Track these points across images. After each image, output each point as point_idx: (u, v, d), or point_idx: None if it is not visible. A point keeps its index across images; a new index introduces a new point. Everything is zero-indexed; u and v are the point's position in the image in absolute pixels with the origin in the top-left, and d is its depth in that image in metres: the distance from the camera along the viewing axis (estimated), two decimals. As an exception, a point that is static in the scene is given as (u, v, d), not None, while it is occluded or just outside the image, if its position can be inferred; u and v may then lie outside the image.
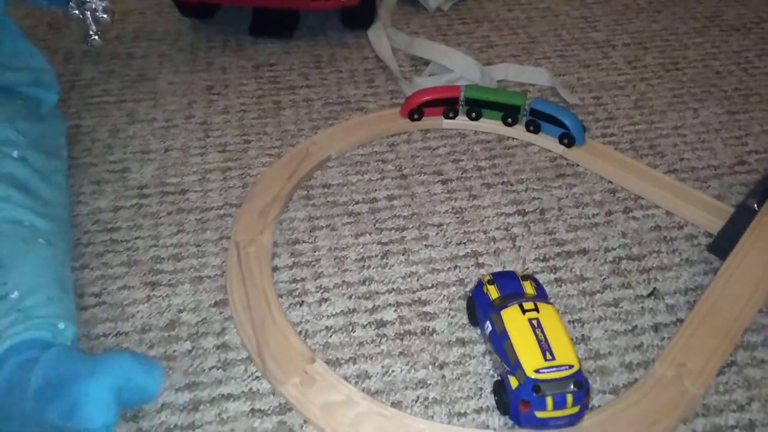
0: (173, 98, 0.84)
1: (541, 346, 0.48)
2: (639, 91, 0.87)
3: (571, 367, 0.47)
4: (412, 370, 0.53)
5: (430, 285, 0.61)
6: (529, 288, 0.54)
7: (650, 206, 0.69)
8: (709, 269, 0.62)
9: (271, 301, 0.56)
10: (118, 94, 0.84)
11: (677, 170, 0.74)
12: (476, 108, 0.77)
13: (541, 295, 0.54)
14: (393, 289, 0.60)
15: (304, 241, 0.65)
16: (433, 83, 0.85)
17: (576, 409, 0.47)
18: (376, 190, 0.71)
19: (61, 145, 0.70)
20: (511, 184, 0.72)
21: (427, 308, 0.58)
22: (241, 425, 0.49)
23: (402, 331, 0.56)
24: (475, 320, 0.56)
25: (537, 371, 0.47)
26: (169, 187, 0.70)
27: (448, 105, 0.78)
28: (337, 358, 0.54)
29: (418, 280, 0.61)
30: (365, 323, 0.57)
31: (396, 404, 0.51)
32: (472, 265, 0.63)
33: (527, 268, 0.62)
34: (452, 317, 0.58)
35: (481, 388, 0.52)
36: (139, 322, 0.56)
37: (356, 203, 0.69)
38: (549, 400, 0.46)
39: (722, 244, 0.61)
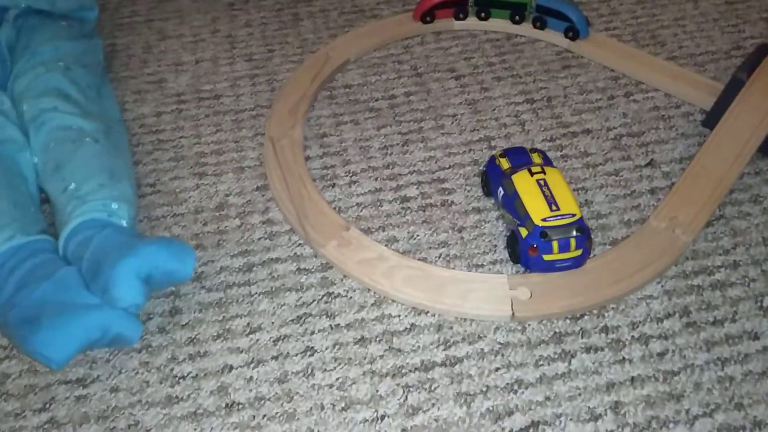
0: (198, 15, 0.89)
1: (547, 200, 0.55)
2: (642, -14, 0.90)
3: (573, 215, 0.54)
4: (435, 234, 0.61)
5: (447, 166, 0.67)
6: (537, 158, 0.61)
7: (650, 90, 0.74)
8: (702, 141, 0.68)
9: (306, 183, 0.63)
10: (146, 14, 0.90)
11: (677, 57, 0.79)
12: (485, 8, 0.82)
13: (547, 164, 0.60)
14: (414, 171, 0.67)
15: (331, 135, 0.71)
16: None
17: (579, 252, 0.54)
18: (393, 88, 0.76)
19: (98, 60, 0.76)
20: (520, 77, 0.77)
21: (446, 185, 0.65)
22: (290, 281, 0.57)
23: (424, 204, 0.63)
24: (488, 191, 0.62)
25: (544, 220, 0.54)
26: (204, 93, 0.77)
27: (458, 7, 0.82)
28: (369, 227, 0.62)
29: (436, 162, 0.68)
30: (391, 199, 0.64)
31: (421, 260, 0.58)
32: (485, 148, 0.69)
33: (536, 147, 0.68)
34: (468, 191, 0.65)
35: (495, 245, 0.59)
36: (192, 205, 0.64)
37: (376, 100, 0.75)
38: (555, 244, 0.53)
39: (715, 117, 0.67)
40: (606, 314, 0.54)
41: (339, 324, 0.54)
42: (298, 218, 0.60)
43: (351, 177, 0.66)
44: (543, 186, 0.56)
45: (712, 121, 0.67)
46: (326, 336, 0.53)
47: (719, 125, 0.63)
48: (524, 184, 0.56)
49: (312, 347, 0.52)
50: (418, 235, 0.61)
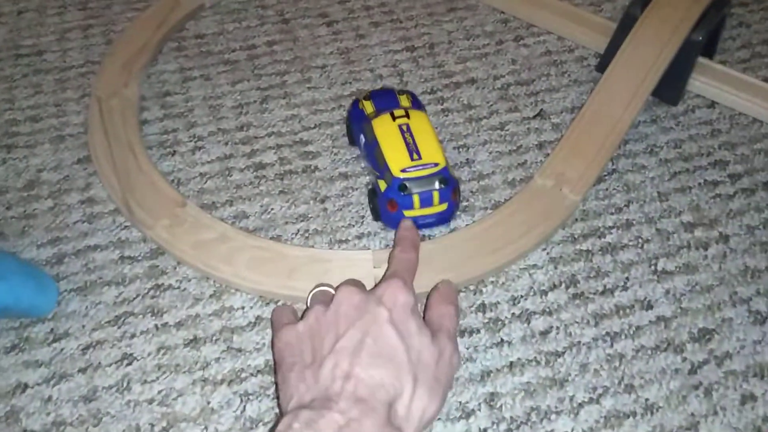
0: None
1: (408, 148, 0.47)
2: None
3: (436, 165, 0.47)
4: (293, 207, 0.52)
5: (312, 126, 0.58)
6: (405, 101, 0.52)
7: (542, 33, 0.67)
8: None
9: (137, 152, 0.52)
10: (-42, -44, 0.74)
11: (571, -4, 0.71)
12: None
13: (416, 106, 0.52)
14: (273, 133, 0.57)
15: (175, 93, 0.60)
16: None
17: (443, 207, 0.47)
18: (255, 36, 0.66)
19: None
20: (401, 21, 0.68)
21: (309, 147, 0.56)
22: (110, 272, 0.47)
23: (282, 171, 0.54)
24: (352, 138, 0.54)
25: (403, 170, 0.46)
26: (24, 50, 0.63)
27: (329, -59, 0.71)
28: (213, 202, 0.52)
29: (299, 122, 0.58)
30: (243, 167, 0.54)
31: (275, 238, 0.49)
32: (358, 103, 0.60)
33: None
34: (335, 154, 0.55)
35: (363, 216, 0.51)
36: (-8, 185, 0.52)
37: (233, 51, 0.64)
38: (416, 198, 0.46)
39: (609, 60, 0.60)
40: (484, 289, 0.46)
41: (167, 323, 0.44)
42: (122, 194, 0.50)
43: (196, 142, 0.56)
44: (405, 132, 0.48)
45: (606, 64, 0.60)
46: (150, 339, 0.43)
47: (609, 68, 0.56)
48: (385, 130, 0.48)
49: (131, 354, 0.43)
50: (272, 209, 0.51)
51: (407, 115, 0.49)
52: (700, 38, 0.56)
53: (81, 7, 0.68)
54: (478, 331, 0.44)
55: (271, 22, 0.67)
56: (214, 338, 0.44)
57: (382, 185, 0.47)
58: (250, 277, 0.45)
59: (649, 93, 0.55)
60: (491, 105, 0.60)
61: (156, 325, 0.44)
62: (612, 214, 0.51)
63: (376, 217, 0.49)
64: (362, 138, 0.51)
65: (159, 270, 0.47)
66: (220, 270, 0.46)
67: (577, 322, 0.45)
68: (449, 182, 0.47)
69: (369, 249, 0.49)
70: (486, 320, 0.45)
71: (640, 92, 0.54)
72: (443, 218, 0.48)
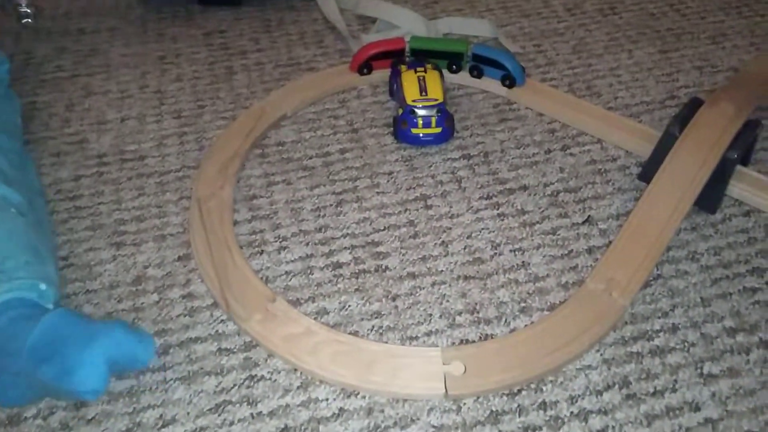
0: (126, 70, 0.85)
1: (420, 88, 0.71)
2: (577, 36, 0.91)
3: (436, 100, 0.70)
4: (367, 304, 0.58)
5: (382, 228, 0.65)
6: (429, 66, 0.75)
7: (586, 143, 0.74)
8: (638, 195, 0.67)
9: (233, 249, 0.60)
10: (71, 69, 0.86)
11: (612, 108, 0.78)
12: (422, 58, 0.80)
13: (437, 69, 0.76)
14: (347, 234, 0.64)
15: (261, 196, 0.68)
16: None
17: (439, 129, 0.70)
18: (328, 144, 0.74)
19: (16, 122, 0.71)
20: (457, 131, 0.75)
21: (380, 248, 0.63)
22: (210, 363, 0.53)
23: (357, 270, 0.61)
24: (392, 91, 0.79)
25: (414, 101, 0.70)
26: (128, 154, 0.73)
27: (395, 57, 0.81)
28: (297, 299, 0.58)
29: (370, 224, 0.65)
30: (322, 266, 0.61)
31: (353, 334, 0.55)
32: (421, 207, 0.67)
33: (472, 207, 0.66)
34: (403, 254, 0.62)
35: (430, 315, 0.57)
36: (107, 280, 0.59)
37: (310, 158, 0.72)
38: (420, 120, 0.70)
39: (650, 171, 0.66)
40: (544, 387, 0.51)
41: (261, 412, 0.50)
42: (220, 289, 0.57)
43: (281, 242, 0.63)
44: (421, 80, 0.72)
45: (647, 174, 0.67)
46: (246, 427, 0.49)
47: (653, 181, 0.62)
48: (408, 77, 0.73)
49: (231, 440, 0.48)
50: (349, 305, 0.58)
51: (425, 71, 0.73)
52: (736, 156, 0.62)
53: (176, 116, 0.78)
54: (540, 428, 0.49)
55: (342, 131, 0.76)
56: (303, 428, 0.49)
57: (400, 111, 0.71)
58: (332, 369, 0.51)
59: (691, 205, 0.61)
60: (543, 211, 0.66)
61: (252, 414, 0.50)
62: (659, 318, 0.56)
63: (396, 136, 0.72)
64: (395, 86, 0.75)
65: (252, 362, 0.53)
66: (307, 362, 0.52)
67: (631, 422, 0.49)
68: (443, 112, 0.70)
69: (437, 346, 0.54)
70: (547, 418, 0.49)
71: (681, 205, 0.60)
72: (439, 138, 0.71)
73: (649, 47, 0.88)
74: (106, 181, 0.69)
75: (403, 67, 0.75)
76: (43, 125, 0.77)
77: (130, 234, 0.64)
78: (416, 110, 0.70)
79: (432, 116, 0.70)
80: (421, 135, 0.70)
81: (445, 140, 0.72)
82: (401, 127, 0.70)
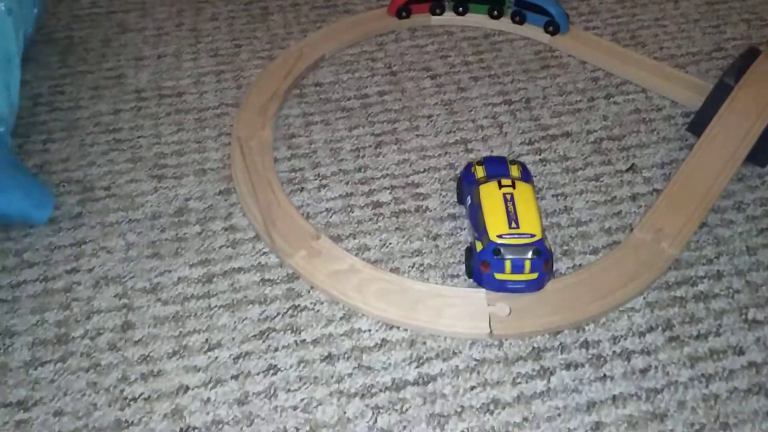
0: (161, 8, 0.84)
1: (508, 216, 0.51)
2: (622, -15, 0.88)
3: (533, 236, 0.50)
4: (408, 242, 0.58)
5: (422, 170, 0.64)
6: (515, 171, 0.57)
7: (630, 92, 0.72)
8: (684, 145, 0.66)
9: (275, 188, 0.60)
10: (106, 6, 0.85)
11: (657, 58, 0.76)
12: (462, 2, 0.79)
13: (524, 178, 0.57)
14: (387, 174, 0.63)
15: (300, 135, 0.67)
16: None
17: (534, 276, 0.51)
18: (366, 86, 0.73)
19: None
20: (498, 77, 0.74)
21: (420, 189, 0.62)
22: (253, 292, 0.53)
23: (397, 210, 0.60)
24: (461, 198, 0.59)
25: (500, 236, 0.50)
26: (166, 90, 0.72)
27: (434, 1, 0.79)
28: (338, 234, 0.58)
29: (410, 165, 0.64)
30: (362, 204, 0.61)
31: (394, 270, 0.55)
32: (462, 151, 0.66)
33: (513, 152, 0.66)
34: (443, 197, 0.61)
35: (472, 255, 0.57)
36: (149, 210, 0.60)
37: (348, 99, 0.71)
38: (508, 264, 0.50)
39: (700, 122, 0.64)
40: (586, 328, 0.51)
41: (305, 340, 0.50)
42: (265, 226, 0.57)
43: (320, 181, 0.63)
44: (508, 201, 0.52)
45: (697, 125, 0.65)
46: (291, 353, 0.50)
47: (706, 132, 0.61)
48: (490, 195, 0.53)
49: (275, 365, 0.49)
50: (390, 243, 0.58)
51: (513, 185, 0.53)
52: (790, 109, 0.61)
53: (213, 54, 0.77)
54: (583, 365, 0.49)
55: (381, 74, 0.75)
56: (346, 356, 0.49)
57: (479, 246, 0.51)
58: (377, 305, 0.51)
59: (743, 159, 0.60)
60: (586, 157, 0.65)
61: (296, 341, 0.50)
62: (703, 264, 0.56)
63: (470, 274, 0.53)
64: (469, 199, 0.55)
65: (295, 292, 0.53)
66: (352, 297, 0.52)
67: (674, 363, 0.49)
68: (542, 253, 0.50)
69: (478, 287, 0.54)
70: (589, 356, 0.49)
71: (735, 157, 0.59)
72: (533, 286, 0.51)
73: (696, -2, 0.85)
74: (145, 115, 0.69)
75: (479, 170, 0.56)
76: (80, 60, 0.76)
77: (171, 167, 0.64)
78: (504, 251, 0.50)
79: (525, 259, 0.50)
80: (508, 282, 0.51)
81: (540, 288, 0.52)
82: (481, 269, 0.51)
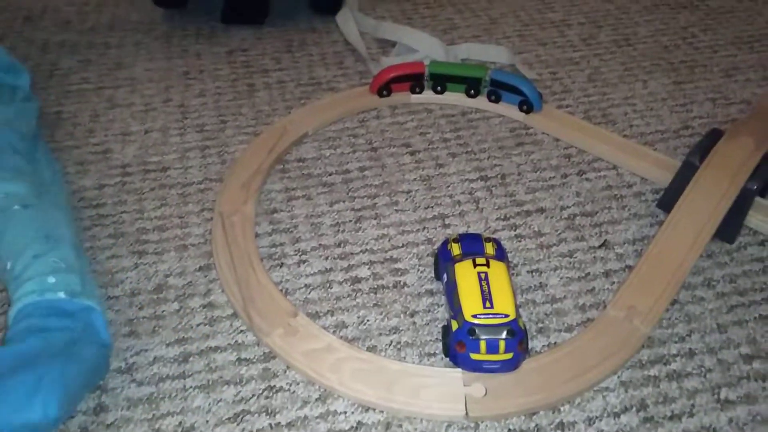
0: (150, 84, 0.87)
1: (483, 296, 0.52)
2: (593, 66, 0.92)
3: (506, 316, 0.51)
4: (386, 319, 0.58)
5: (400, 245, 0.65)
6: (489, 249, 0.58)
7: (602, 168, 0.75)
8: (655, 222, 0.68)
9: (255, 263, 0.60)
10: (96, 82, 0.87)
11: (627, 136, 0.80)
12: (441, 82, 0.82)
13: (499, 256, 0.57)
14: (366, 250, 0.65)
15: (281, 210, 0.69)
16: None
17: (509, 356, 0.51)
18: (348, 162, 0.75)
19: (32, 124, 0.71)
20: (475, 153, 0.77)
21: (398, 265, 0.63)
22: (229, 372, 0.53)
23: (375, 286, 0.61)
24: (438, 274, 0.60)
25: (474, 316, 0.51)
26: (151, 165, 0.74)
27: (414, 80, 0.83)
28: (317, 311, 0.59)
29: (389, 240, 0.66)
30: (341, 280, 0.61)
31: (371, 349, 0.56)
32: (439, 226, 0.67)
33: (489, 227, 0.67)
34: (421, 272, 0.62)
35: (448, 332, 0.57)
36: (128, 287, 0.60)
37: (330, 174, 0.73)
38: (483, 344, 0.50)
39: (669, 200, 0.67)
40: (562, 408, 0.51)
41: (279, 422, 0.50)
42: (243, 304, 0.57)
43: (300, 256, 0.64)
44: (483, 280, 0.53)
45: (666, 202, 0.68)
46: (265, 436, 0.49)
47: (674, 211, 0.63)
48: (465, 274, 0.53)
49: (249, 450, 0.48)
50: (368, 320, 0.58)
51: (488, 264, 0.54)
52: (755, 187, 0.63)
53: (199, 129, 0.79)
54: (558, 448, 0.49)
55: (362, 149, 0.77)
56: (321, 439, 0.49)
57: (455, 325, 0.51)
58: (353, 386, 0.51)
59: (711, 235, 0.61)
60: (559, 233, 0.67)
61: (270, 424, 0.50)
62: (675, 342, 0.56)
63: (446, 353, 0.53)
64: (445, 276, 0.56)
65: (271, 373, 0.53)
66: (328, 378, 0.52)
67: (648, 445, 0.49)
68: (516, 334, 0.50)
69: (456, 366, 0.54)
70: (565, 438, 0.49)
71: (703, 234, 0.61)
72: (508, 366, 0.51)
73: (663, 78, 0.90)
74: (129, 190, 0.70)
75: (455, 247, 0.57)
76: (68, 135, 0.78)
77: (152, 243, 0.65)
78: (478, 331, 0.50)
79: (500, 339, 0.50)
80: (484, 363, 0.51)
81: (515, 368, 0.52)
82: (456, 349, 0.51)
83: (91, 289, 0.54)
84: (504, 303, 0.51)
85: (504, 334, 0.50)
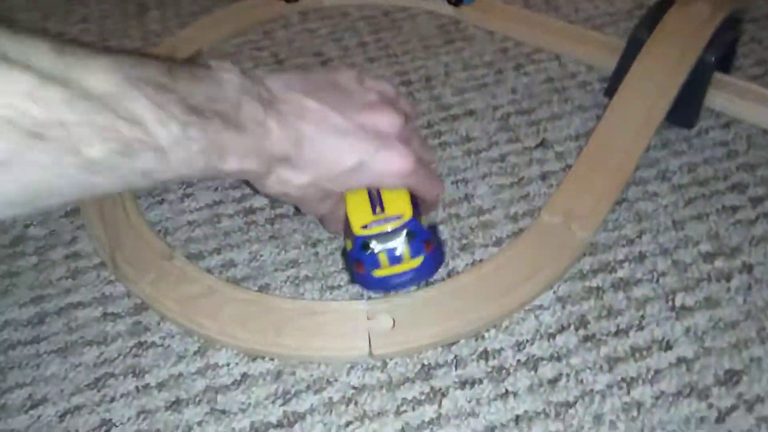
0: (26, 12, 0.75)
1: (372, 202, 0.41)
2: (534, -53, 0.80)
3: (400, 217, 0.41)
4: (282, 252, 0.49)
5: (305, 166, 0.56)
6: None
7: (543, 60, 0.64)
8: (601, 113, 0.58)
9: (126, 202, 0.51)
10: (-40, 17, 0.75)
11: (573, 21, 0.69)
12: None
13: None
14: (265, 176, 0.55)
15: (167, 140, 0.59)
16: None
17: (418, 261, 0.41)
18: (248, 79, 0.64)
19: None
20: (397, 56, 0.66)
21: (302, 190, 0.54)
22: (92, 331, 0.45)
23: (272, 216, 0.52)
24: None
25: (364, 227, 0.41)
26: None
27: (321, -20, 0.71)
28: (200, 251, 0.50)
29: (292, 163, 0.56)
30: (232, 213, 0.52)
31: (263, 287, 0.47)
32: (352, 141, 0.58)
33: (410, 137, 0.57)
34: (328, 195, 0.53)
35: (356, 260, 0.48)
36: (-22, 243, 0.51)
37: (226, 95, 0.63)
38: (381, 256, 0.41)
39: (617, 85, 0.57)
40: (486, 334, 0.43)
41: (149, 384, 0.42)
42: (109, 248, 0.48)
43: (185, 189, 0.54)
44: (372, 191, 0.42)
45: (614, 89, 0.57)
46: (130, 402, 0.41)
47: (615, 97, 0.53)
48: (353, 193, 0.42)
49: (110, 420, 0.40)
50: (262, 255, 0.49)
51: None
52: (713, 59, 0.53)
53: (77, 59, 0.68)
54: (481, 381, 0.41)
55: (264, 63, 0.66)
56: (197, 399, 0.41)
57: (348, 245, 0.42)
58: (235, 334, 0.43)
59: (661, 119, 0.52)
60: (491, 136, 0.57)
61: (137, 387, 0.42)
62: (623, 246, 0.48)
63: (352, 278, 0.45)
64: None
65: (142, 327, 0.45)
66: (206, 327, 0.43)
67: (589, 368, 0.41)
68: (418, 234, 0.41)
69: (362, 296, 0.46)
70: (489, 369, 0.41)
71: (650, 120, 0.51)
72: (421, 274, 0.42)
73: (614, -46, 0.78)
74: (-10, 134, 0.60)
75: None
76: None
77: (12, 191, 0.55)
78: (372, 243, 0.41)
79: (400, 245, 0.41)
80: (392, 278, 0.42)
81: (433, 273, 0.44)
82: (356, 270, 0.42)
83: None
84: (396, 203, 0.41)
85: (403, 238, 0.40)
